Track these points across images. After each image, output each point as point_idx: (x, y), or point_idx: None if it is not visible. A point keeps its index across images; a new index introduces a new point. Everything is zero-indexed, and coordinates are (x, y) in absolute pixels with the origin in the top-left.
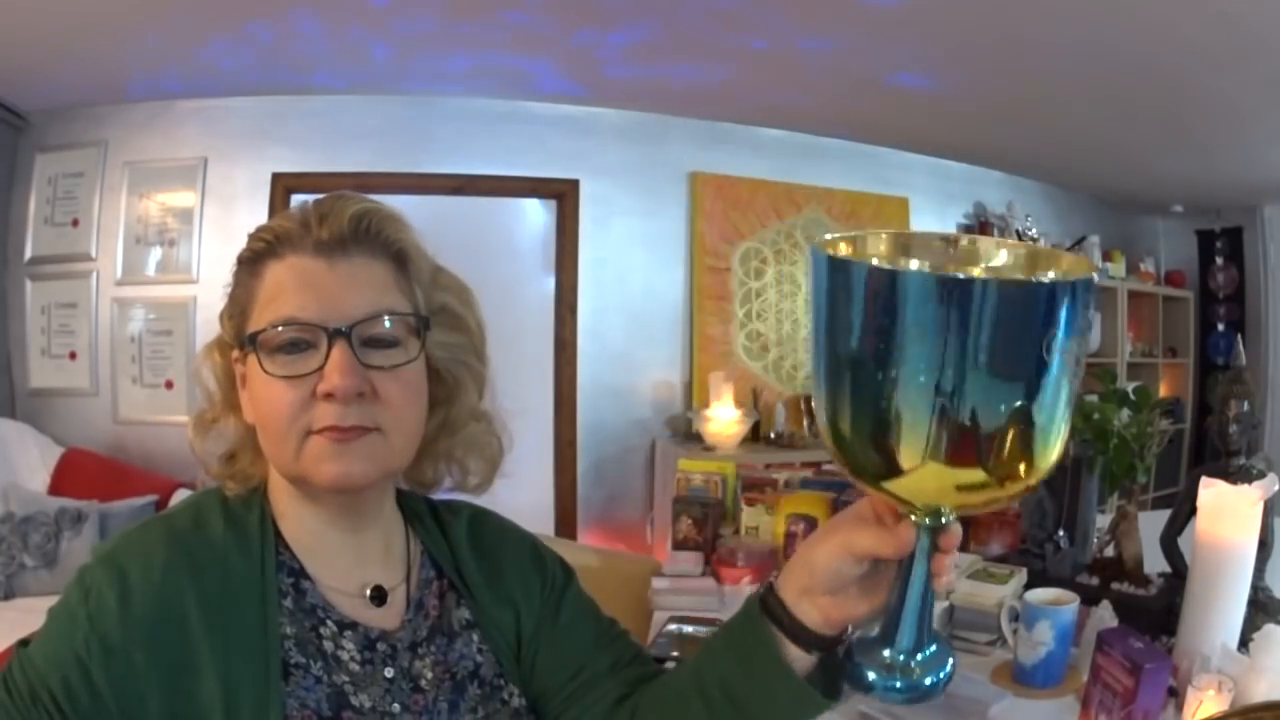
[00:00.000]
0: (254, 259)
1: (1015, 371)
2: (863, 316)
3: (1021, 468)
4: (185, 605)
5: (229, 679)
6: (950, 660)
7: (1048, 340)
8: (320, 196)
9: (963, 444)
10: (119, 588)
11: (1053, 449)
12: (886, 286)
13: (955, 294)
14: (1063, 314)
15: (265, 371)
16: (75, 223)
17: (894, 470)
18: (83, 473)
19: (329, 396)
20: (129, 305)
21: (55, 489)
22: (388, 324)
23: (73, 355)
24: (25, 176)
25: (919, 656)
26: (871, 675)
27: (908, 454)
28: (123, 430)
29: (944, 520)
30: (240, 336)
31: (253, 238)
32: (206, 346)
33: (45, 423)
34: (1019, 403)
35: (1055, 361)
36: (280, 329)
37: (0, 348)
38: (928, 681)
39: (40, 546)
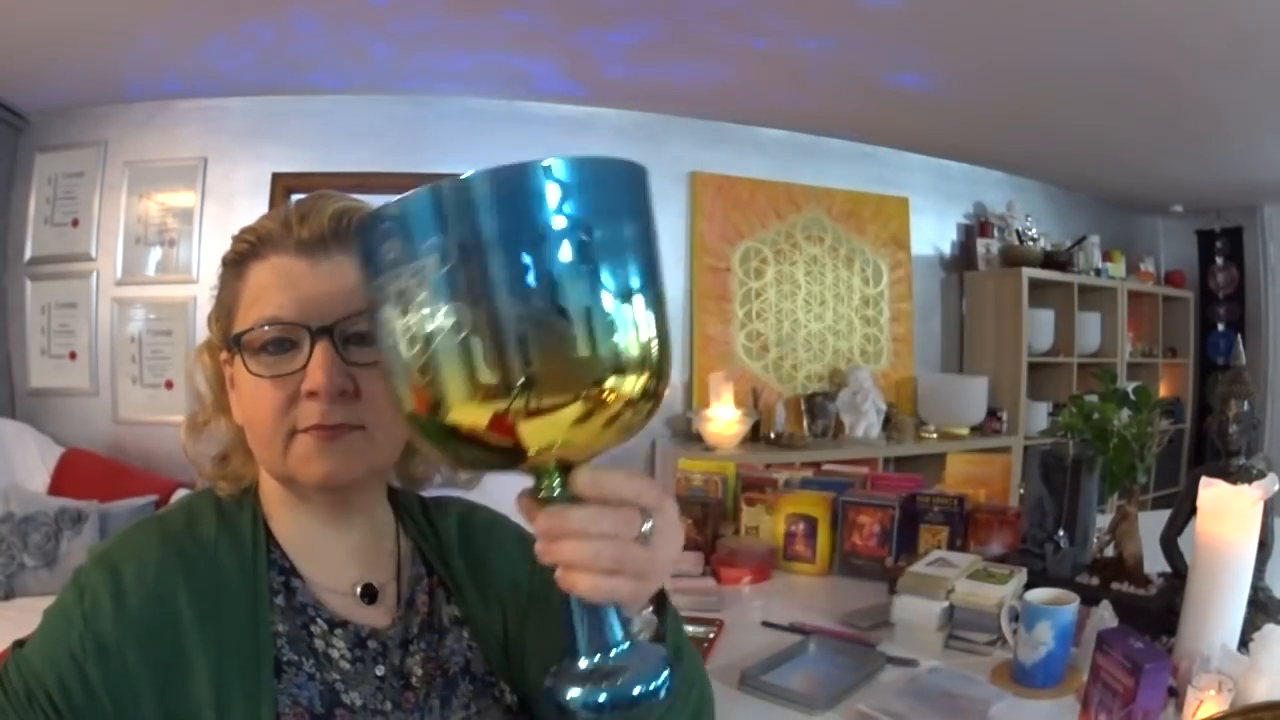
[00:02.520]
0: (238, 260)
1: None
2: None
3: (577, 370)
4: (179, 604)
5: (221, 677)
6: (665, 670)
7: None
8: (301, 196)
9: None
10: (113, 587)
11: (608, 335)
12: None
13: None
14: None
15: (250, 372)
16: (75, 223)
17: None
18: (83, 473)
19: (312, 395)
20: (129, 305)
21: (55, 489)
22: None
23: (73, 355)
24: (25, 176)
25: (609, 659)
26: (568, 694)
27: (453, 388)
28: (123, 430)
29: (551, 490)
30: (227, 338)
31: (236, 239)
32: (197, 349)
33: (45, 423)
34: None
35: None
36: (263, 329)
37: (0, 348)
38: (636, 691)
39: (40, 546)
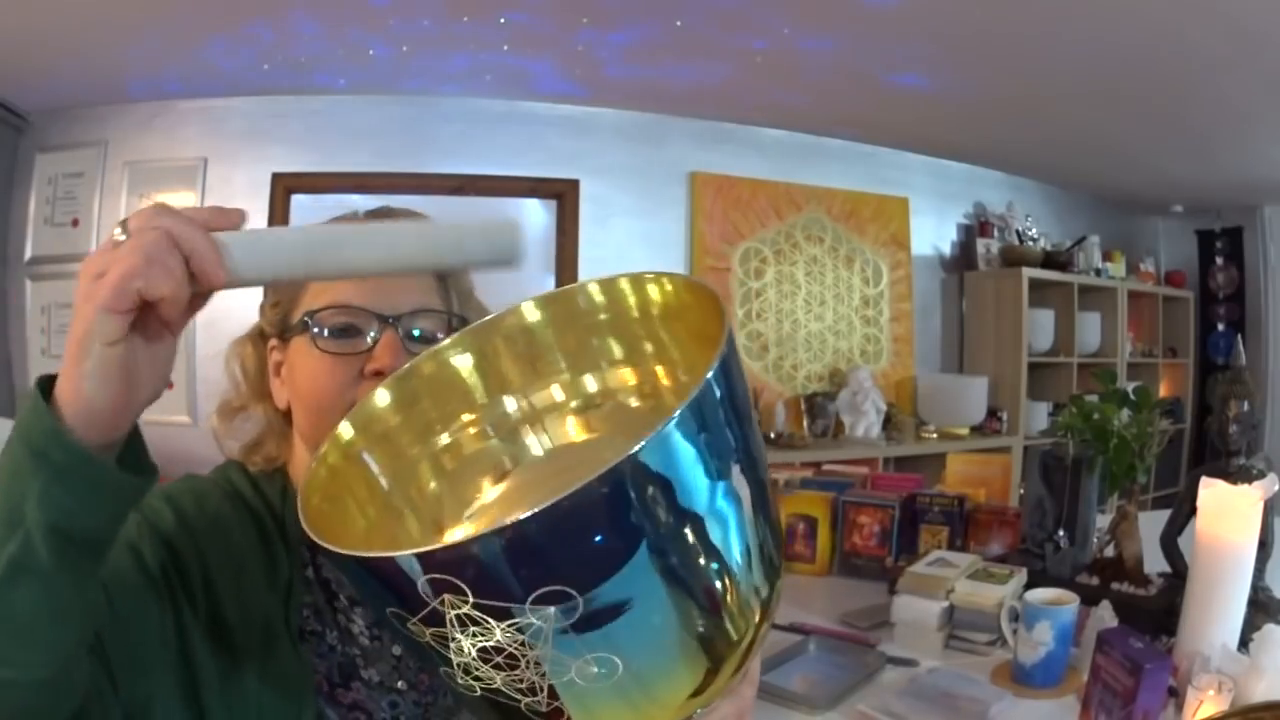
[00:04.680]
0: None
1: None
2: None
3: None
4: (232, 536)
5: (251, 615)
6: None
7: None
8: (373, 208)
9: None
10: (175, 511)
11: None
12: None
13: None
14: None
15: (317, 348)
16: (75, 223)
17: None
18: None
19: (377, 374)
20: None
21: None
22: (429, 322)
23: None
24: (25, 176)
25: None
26: None
27: None
28: None
29: None
30: (285, 324)
31: None
32: (239, 340)
33: None
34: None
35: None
36: (333, 310)
37: (0, 348)
38: None
39: None
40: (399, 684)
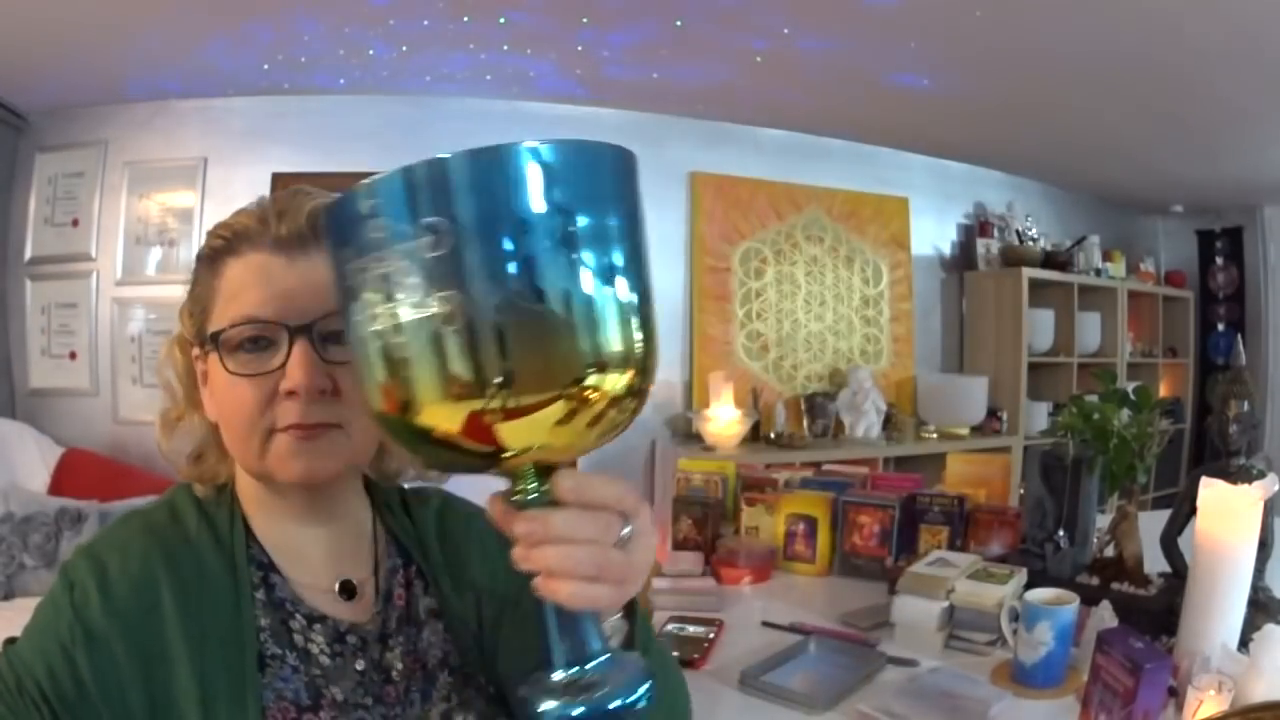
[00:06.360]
0: (213, 256)
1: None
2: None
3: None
4: (161, 596)
5: (204, 671)
6: (645, 681)
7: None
8: (279, 192)
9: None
10: (99, 579)
11: (602, 327)
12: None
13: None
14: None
15: (227, 370)
16: (75, 223)
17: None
18: (83, 473)
19: (291, 395)
20: (129, 305)
21: (55, 489)
22: None
23: (73, 355)
24: (25, 176)
25: (586, 670)
26: (542, 705)
27: (417, 389)
28: (123, 430)
29: (528, 494)
30: (201, 334)
31: (211, 234)
32: (167, 344)
33: (45, 423)
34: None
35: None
36: (240, 328)
37: (0, 348)
38: (614, 704)
39: (40, 546)
40: (365, 699)
